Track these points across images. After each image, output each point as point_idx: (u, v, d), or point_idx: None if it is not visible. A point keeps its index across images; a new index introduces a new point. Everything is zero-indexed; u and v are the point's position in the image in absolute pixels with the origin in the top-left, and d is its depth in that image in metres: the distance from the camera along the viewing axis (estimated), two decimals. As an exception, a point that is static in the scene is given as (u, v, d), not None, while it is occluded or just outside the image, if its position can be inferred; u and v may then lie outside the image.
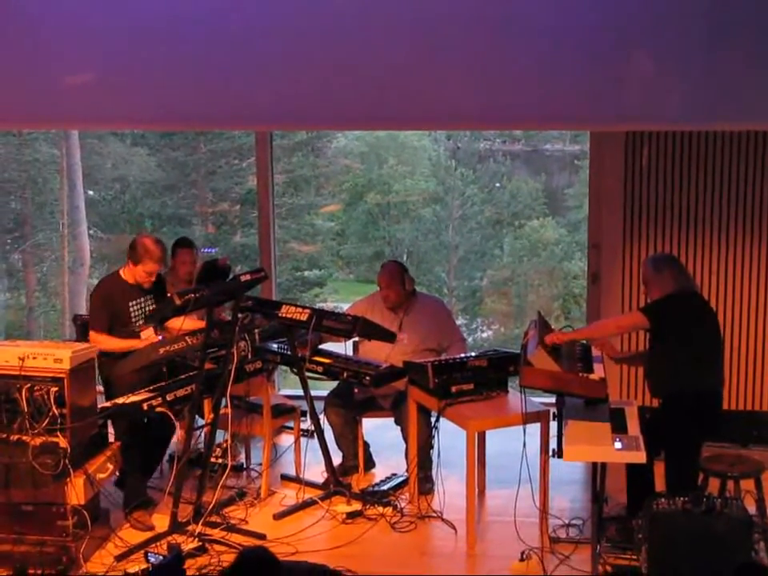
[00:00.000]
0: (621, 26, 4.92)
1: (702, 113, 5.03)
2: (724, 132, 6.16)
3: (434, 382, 5.16)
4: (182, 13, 5.22)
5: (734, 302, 6.35)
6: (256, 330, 5.58)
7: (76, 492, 4.72)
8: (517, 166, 20.49)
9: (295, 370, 5.68)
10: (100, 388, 5.33)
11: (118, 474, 5.29)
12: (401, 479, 5.73)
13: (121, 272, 5.46)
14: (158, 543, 4.92)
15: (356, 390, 5.80)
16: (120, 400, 4.98)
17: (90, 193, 17.58)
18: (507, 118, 5.50)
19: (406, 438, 5.66)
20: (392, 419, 5.87)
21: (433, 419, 5.39)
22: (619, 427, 4.59)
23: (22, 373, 4.69)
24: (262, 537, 5.05)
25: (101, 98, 5.36)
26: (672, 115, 5.06)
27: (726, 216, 6.30)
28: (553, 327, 5.03)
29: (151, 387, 5.09)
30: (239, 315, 5.34)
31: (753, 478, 4.74)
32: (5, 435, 4.74)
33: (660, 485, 4.86)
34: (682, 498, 4.25)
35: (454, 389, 5.19)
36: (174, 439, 5.55)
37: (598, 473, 4.72)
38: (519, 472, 4.90)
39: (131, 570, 4.62)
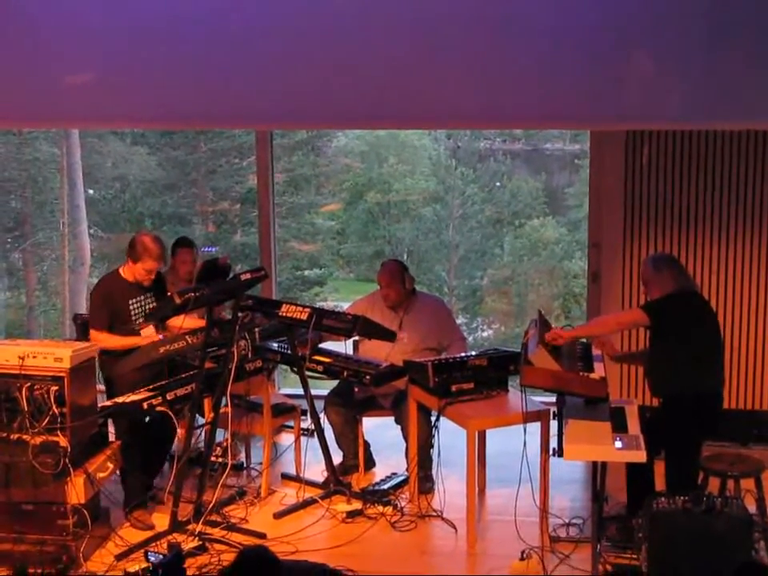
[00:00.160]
0: (621, 26, 4.92)
1: (702, 112, 5.03)
2: (724, 132, 6.16)
3: (435, 381, 5.16)
4: (182, 13, 5.22)
5: (733, 302, 6.35)
6: (256, 329, 5.58)
7: (76, 491, 4.72)
8: (517, 165, 20.51)
9: (295, 369, 5.68)
10: (101, 387, 5.33)
11: (118, 473, 5.29)
12: (401, 478, 5.74)
13: (120, 270, 5.45)
14: (159, 542, 4.92)
15: (356, 389, 5.81)
16: (120, 399, 4.98)
17: (91, 192, 17.60)
18: (507, 118, 5.51)
19: (406, 437, 5.66)
20: (392, 418, 5.87)
21: (433, 418, 5.39)
22: (619, 426, 4.59)
23: (22, 372, 4.70)
24: (262, 536, 5.05)
25: (101, 97, 5.36)
26: (672, 114, 5.06)
27: (726, 215, 6.30)
28: (553, 326, 5.03)
29: (151, 386, 5.09)
30: (239, 314, 5.34)
31: (753, 477, 4.74)
32: (5, 434, 4.74)
33: (660, 484, 4.86)
34: (682, 498, 4.25)
35: (454, 388, 5.19)
36: (175, 438, 5.56)
37: (598, 472, 4.72)
38: (519, 471, 4.89)
39: (131, 569, 4.62)
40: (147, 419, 5.16)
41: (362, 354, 5.95)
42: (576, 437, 4.47)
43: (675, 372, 4.78)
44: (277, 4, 5.23)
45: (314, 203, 18.72)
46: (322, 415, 5.77)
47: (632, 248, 6.41)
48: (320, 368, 5.62)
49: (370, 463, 6.05)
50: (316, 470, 5.86)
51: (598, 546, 4.64)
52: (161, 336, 5.37)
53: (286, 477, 5.88)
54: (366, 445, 6.01)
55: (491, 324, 19.23)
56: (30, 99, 5.44)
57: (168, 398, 5.00)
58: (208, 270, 5.20)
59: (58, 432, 4.70)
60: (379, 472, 5.98)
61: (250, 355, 5.45)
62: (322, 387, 6.18)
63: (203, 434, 5.63)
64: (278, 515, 5.37)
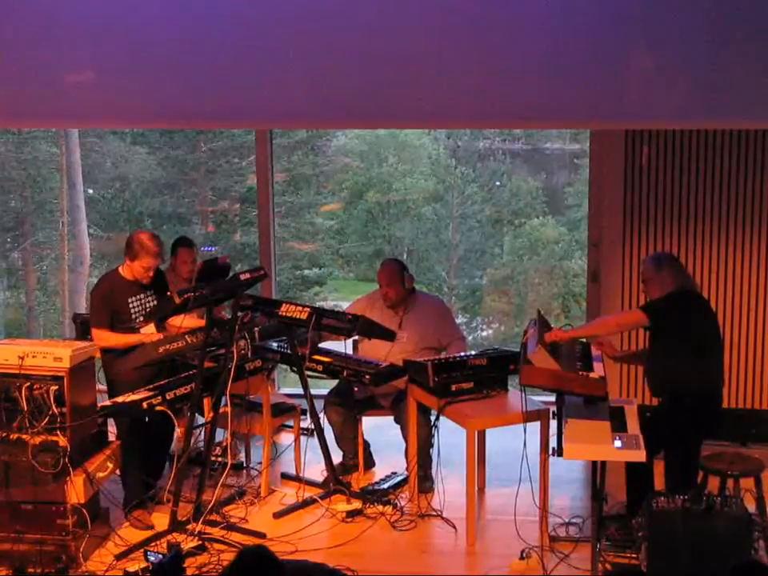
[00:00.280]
0: (621, 26, 4.92)
1: (702, 111, 5.04)
2: (724, 131, 6.16)
3: (434, 381, 5.16)
4: (181, 13, 5.23)
5: (733, 302, 6.35)
6: (256, 329, 5.58)
7: (76, 491, 4.72)
8: (517, 164, 20.48)
9: (295, 369, 5.68)
10: (102, 386, 5.33)
11: (118, 473, 5.29)
12: (401, 478, 5.74)
13: (120, 269, 5.45)
14: (158, 542, 4.92)
15: (356, 389, 5.81)
16: (120, 399, 4.98)
17: (90, 191, 17.58)
18: (507, 117, 5.52)
19: (405, 437, 5.66)
20: (392, 418, 5.87)
21: (433, 418, 5.39)
22: (619, 426, 4.59)
23: (22, 371, 4.70)
24: (262, 535, 5.05)
25: (100, 96, 5.38)
26: (672, 114, 5.07)
27: (725, 215, 6.30)
28: (552, 326, 5.03)
29: (151, 386, 5.09)
30: (239, 314, 5.34)
31: (752, 476, 4.74)
32: (5, 434, 4.74)
33: (660, 483, 4.87)
34: (681, 497, 4.25)
35: (453, 387, 5.19)
36: (174, 438, 5.55)
37: (597, 471, 4.72)
38: (519, 470, 4.90)
39: (131, 569, 4.62)
40: (147, 419, 5.16)
41: (362, 353, 5.95)
42: (575, 436, 4.47)
43: (675, 371, 4.78)
44: (277, 4, 5.23)
45: (313, 203, 18.70)
46: (321, 415, 5.77)
47: (632, 248, 6.41)
48: (320, 367, 5.62)
49: (369, 463, 6.05)
50: (316, 470, 5.86)
51: (598, 546, 4.64)
52: (161, 334, 5.36)
53: (285, 476, 5.88)
54: (366, 444, 6.01)
55: (491, 323, 19.21)
56: (30, 98, 5.44)
57: (168, 397, 4.99)
58: (208, 269, 5.19)
59: (58, 432, 4.70)
60: (379, 471, 5.98)
61: (249, 355, 5.45)
62: (322, 387, 6.18)
63: (203, 433, 5.63)
64: (278, 515, 5.36)
